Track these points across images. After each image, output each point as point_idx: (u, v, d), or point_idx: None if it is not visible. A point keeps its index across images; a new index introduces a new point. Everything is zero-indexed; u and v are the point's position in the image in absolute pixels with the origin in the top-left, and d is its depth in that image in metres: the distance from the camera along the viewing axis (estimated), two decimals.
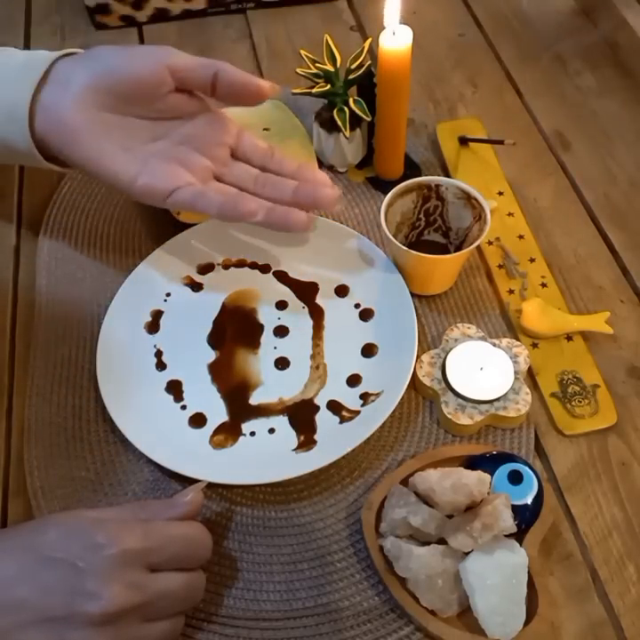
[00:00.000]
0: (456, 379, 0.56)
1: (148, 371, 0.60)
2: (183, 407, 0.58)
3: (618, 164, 0.73)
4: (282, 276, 0.65)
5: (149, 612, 0.42)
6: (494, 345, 0.57)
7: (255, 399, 0.58)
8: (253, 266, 0.65)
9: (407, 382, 0.55)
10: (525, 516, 0.50)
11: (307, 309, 0.63)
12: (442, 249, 0.64)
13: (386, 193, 0.60)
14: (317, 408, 0.57)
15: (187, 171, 0.55)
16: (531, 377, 0.58)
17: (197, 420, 0.57)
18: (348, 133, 0.66)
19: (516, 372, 0.56)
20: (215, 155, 0.57)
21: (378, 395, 0.56)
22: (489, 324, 0.62)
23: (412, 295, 0.60)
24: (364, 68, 0.66)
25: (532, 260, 0.65)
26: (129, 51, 0.55)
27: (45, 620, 0.39)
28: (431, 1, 0.90)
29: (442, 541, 0.48)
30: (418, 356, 0.57)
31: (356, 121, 0.67)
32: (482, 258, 0.66)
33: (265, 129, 0.75)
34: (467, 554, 0.47)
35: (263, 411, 0.57)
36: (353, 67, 0.66)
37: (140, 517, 0.45)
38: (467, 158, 0.72)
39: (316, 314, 0.62)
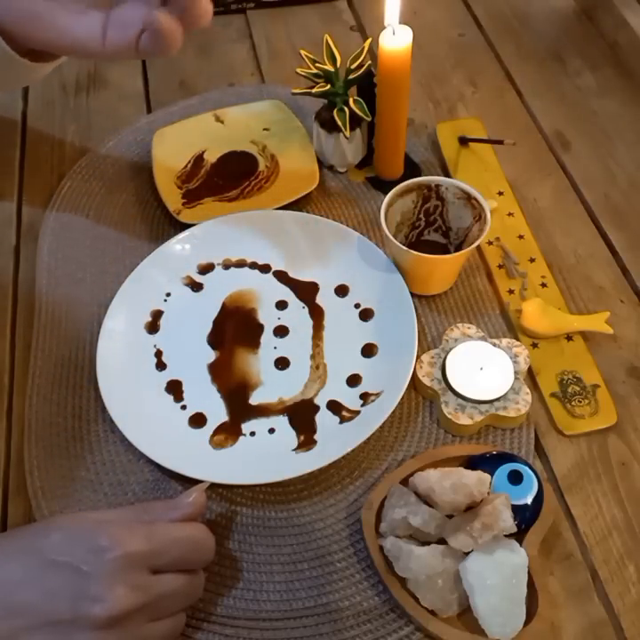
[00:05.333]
0: (456, 379, 0.56)
1: (148, 371, 0.59)
2: (183, 407, 0.58)
3: (618, 164, 0.73)
4: (282, 276, 0.65)
5: (153, 612, 0.42)
6: (494, 345, 0.57)
7: (255, 399, 0.58)
8: (253, 266, 0.65)
9: (407, 382, 0.55)
10: (525, 516, 0.49)
11: (307, 309, 0.63)
12: (442, 249, 0.64)
13: (386, 193, 0.60)
14: (317, 408, 0.57)
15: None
16: (531, 377, 0.58)
17: (197, 420, 0.57)
18: (348, 133, 0.66)
19: (516, 372, 0.56)
20: None
21: (378, 395, 0.56)
22: (489, 323, 0.62)
23: (412, 295, 0.60)
24: (364, 68, 0.66)
25: (531, 260, 0.65)
26: None
27: (51, 623, 0.39)
28: (431, 1, 0.90)
29: (442, 541, 0.48)
30: (418, 356, 0.57)
31: (355, 121, 0.67)
32: (482, 258, 0.66)
33: (265, 129, 0.75)
34: (467, 554, 0.47)
35: (263, 411, 0.57)
36: (353, 67, 0.66)
37: (143, 519, 0.45)
38: (467, 158, 0.72)
39: (316, 314, 0.62)
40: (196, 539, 0.45)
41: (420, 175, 0.70)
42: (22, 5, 0.49)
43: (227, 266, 0.66)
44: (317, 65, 0.67)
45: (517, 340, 0.59)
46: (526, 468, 0.51)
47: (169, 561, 0.43)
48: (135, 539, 0.42)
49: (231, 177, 0.71)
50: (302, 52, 0.67)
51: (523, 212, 0.68)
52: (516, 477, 0.50)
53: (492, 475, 0.50)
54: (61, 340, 0.62)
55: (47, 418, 0.58)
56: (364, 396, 0.57)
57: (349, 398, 0.57)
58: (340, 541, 0.52)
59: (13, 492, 0.55)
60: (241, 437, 0.56)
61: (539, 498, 0.50)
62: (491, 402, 0.55)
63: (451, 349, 0.57)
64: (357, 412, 0.56)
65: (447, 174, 0.72)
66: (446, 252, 0.63)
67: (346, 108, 0.66)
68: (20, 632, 0.39)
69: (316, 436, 0.55)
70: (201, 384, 0.59)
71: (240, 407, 0.57)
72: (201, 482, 0.50)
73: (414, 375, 0.56)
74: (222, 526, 0.53)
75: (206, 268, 0.65)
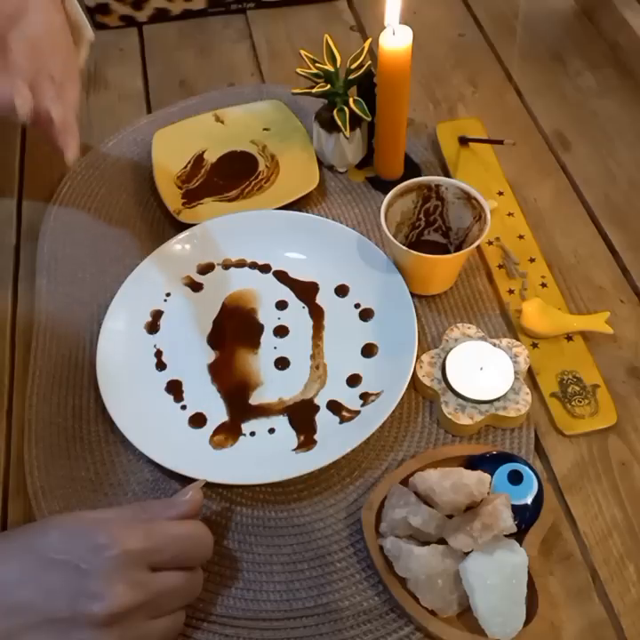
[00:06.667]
0: (456, 379, 0.56)
1: (148, 371, 0.59)
2: (183, 407, 0.58)
3: (618, 163, 0.73)
4: (282, 276, 0.65)
5: (152, 609, 0.42)
6: (494, 345, 0.57)
7: (255, 399, 0.58)
8: (253, 266, 0.65)
9: (407, 382, 0.55)
10: (525, 516, 0.49)
11: (307, 309, 0.63)
12: (442, 249, 0.64)
13: (386, 193, 0.60)
14: (317, 408, 0.57)
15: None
16: (531, 377, 0.58)
17: (197, 420, 0.57)
18: (347, 133, 0.66)
19: (516, 372, 0.56)
20: None
21: (378, 395, 0.56)
22: (489, 324, 0.62)
23: (412, 295, 0.60)
24: (364, 68, 0.66)
25: (531, 260, 0.65)
26: None
27: (50, 621, 0.39)
28: (431, 1, 0.90)
29: (442, 541, 0.48)
30: (418, 356, 0.57)
31: (355, 121, 0.67)
32: (482, 258, 0.66)
33: (265, 129, 0.75)
34: (467, 554, 0.47)
35: (263, 411, 0.57)
36: (353, 67, 0.66)
37: (141, 518, 0.45)
38: (467, 158, 0.72)
39: (316, 314, 0.62)
40: (194, 536, 0.45)
41: (419, 175, 0.70)
42: None
43: (227, 266, 0.66)
44: (317, 65, 0.67)
45: (517, 339, 0.59)
46: (526, 468, 0.51)
47: (168, 558, 0.43)
48: (134, 536, 0.42)
49: (231, 177, 0.71)
50: (302, 52, 0.67)
51: (523, 212, 0.68)
52: (515, 477, 0.50)
53: (492, 475, 0.50)
54: (61, 340, 0.62)
55: (47, 418, 0.58)
56: (364, 396, 0.57)
57: (349, 398, 0.57)
58: (339, 541, 0.52)
59: (13, 492, 0.55)
60: (241, 437, 0.56)
61: (539, 498, 0.50)
62: (491, 402, 0.55)
63: (451, 349, 0.57)
64: (357, 412, 0.56)
65: (447, 174, 0.72)
66: (446, 251, 0.63)
67: (346, 108, 0.66)
68: (19, 631, 0.39)
69: (316, 436, 0.55)
70: (201, 384, 0.59)
71: (240, 407, 0.57)
72: (198, 480, 0.50)
73: (414, 375, 0.56)
74: (222, 526, 0.53)
75: (206, 268, 0.65)
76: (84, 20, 0.61)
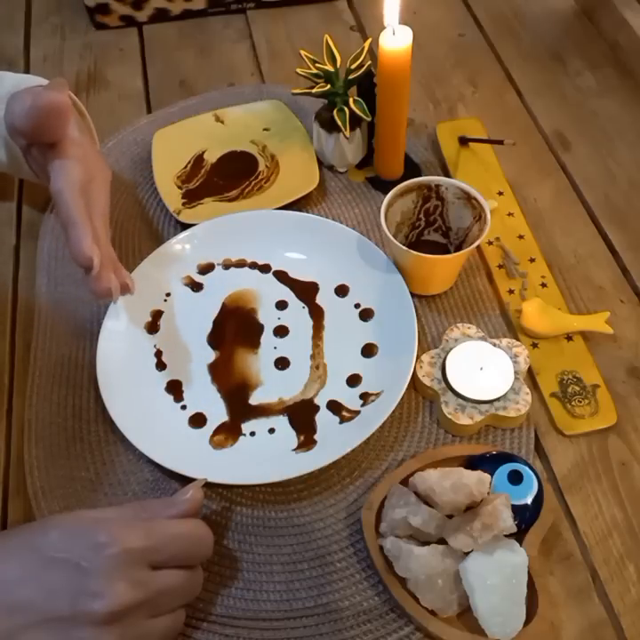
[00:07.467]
0: (456, 379, 0.56)
1: (148, 371, 0.60)
2: (183, 407, 0.58)
3: (618, 164, 0.73)
4: (282, 276, 0.65)
5: (152, 608, 0.42)
6: (494, 345, 0.57)
7: (255, 399, 0.58)
8: (253, 266, 0.65)
9: (407, 382, 0.55)
10: (525, 516, 0.49)
11: (307, 309, 0.63)
12: (442, 249, 0.64)
13: (386, 193, 0.60)
14: (317, 408, 0.57)
15: None
16: (531, 377, 0.58)
17: (197, 420, 0.57)
18: (347, 133, 0.66)
19: (516, 372, 0.56)
20: None
21: (378, 395, 0.56)
22: (489, 324, 0.62)
23: (412, 295, 0.60)
24: (364, 68, 0.66)
25: (532, 260, 0.65)
26: None
27: (51, 620, 0.39)
28: (431, 1, 0.90)
29: (442, 541, 0.48)
30: (418, 356, 0.57)
31: (355, 121, 0.67)
32: (482, 258, 0.66)
33: (265, 129, 0.75)
34: (467, 554, 0.47)
35: (263, 411, 0.57)
36: (353, 67, 0.66)
37: (142, 516, 0.45)
38: (467, 158, 0.72)
39: (316, 314, 0.62)
40: (194, 534, 0.45)
41: (420, 175, 0.70)
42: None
43: (227, 266, 0.66)
44: (317, 65, 0.67)
45: (517, 340, 0.59)
46: (526, 468, 0.51)
47: (168, 557, 0.43)
48: (134, 535, 0.42)
49: (231, 177, 0.71)
50: (302, 52, 0.67)
51: (523, 212, 0.68)
52: (515, 477, 0.50)
53: (492, 475, 0.50)
54: (61, 339, 0.62)
55: (47, 418, 0.58)
56: (364, 396, 0.57)
57: (349, 398, 0.57)
58: (339, 541, 0.52)
59: (13, 492, 0.55)
60: (241, 437, 0.56)
61: (539, 498, 0.50)
62: (491, 402, 0.55)
63: (451, 349, 0.57)
64: (357, 412, 0.56)
65: (447, 174, 0.72)
66: (446, 252, 0.63)
67: (346, 108, 0.66)
68: (20, 630, 0.39)
69: (316, 436, 0.55)
70: (201, 384, 0.59)
71: (240, 407, 0.57)
72: (198, 479, 0.50)
73: (414, 375, 0.56)
74: (222, 526, 0.53)
75: (206, 268, 0.65)
76: (93, 132, 0.66)
